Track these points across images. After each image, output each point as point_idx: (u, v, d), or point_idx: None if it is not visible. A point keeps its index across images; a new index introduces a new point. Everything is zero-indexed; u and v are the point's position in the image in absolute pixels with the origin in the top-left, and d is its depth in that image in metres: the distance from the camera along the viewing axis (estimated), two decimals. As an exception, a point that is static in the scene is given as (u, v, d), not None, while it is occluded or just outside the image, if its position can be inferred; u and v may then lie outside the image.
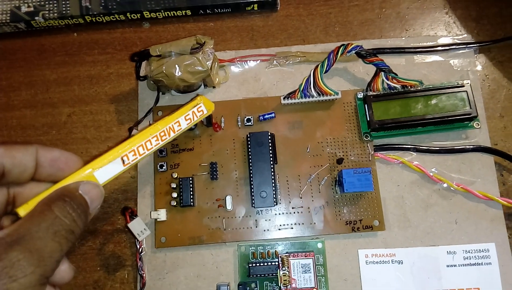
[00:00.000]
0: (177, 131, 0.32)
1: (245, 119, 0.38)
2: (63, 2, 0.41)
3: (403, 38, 0.41)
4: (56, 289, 0.24)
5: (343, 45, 0.38)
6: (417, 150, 0.37)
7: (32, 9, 0.41)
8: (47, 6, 0.41)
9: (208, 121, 0.37)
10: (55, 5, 0.41)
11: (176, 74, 0.36)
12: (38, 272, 0.20)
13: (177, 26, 0.42)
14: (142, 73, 0.38)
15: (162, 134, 0.31)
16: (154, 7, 0.41)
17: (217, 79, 0.39)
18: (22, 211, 0.24)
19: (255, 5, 0.41)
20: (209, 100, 0.34)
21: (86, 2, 0.41)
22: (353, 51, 0.38)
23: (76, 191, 0.24)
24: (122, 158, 0.28)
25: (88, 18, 0.41)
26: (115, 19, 0.42)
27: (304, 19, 0.42)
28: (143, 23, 0.42)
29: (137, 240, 0.35)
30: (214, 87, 0.40)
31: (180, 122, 0.32)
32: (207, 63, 0.37)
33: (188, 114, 0.33)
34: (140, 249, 0.35)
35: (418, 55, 0.40)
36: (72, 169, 0.26)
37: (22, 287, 0.19)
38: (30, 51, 0.42)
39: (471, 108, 0.36)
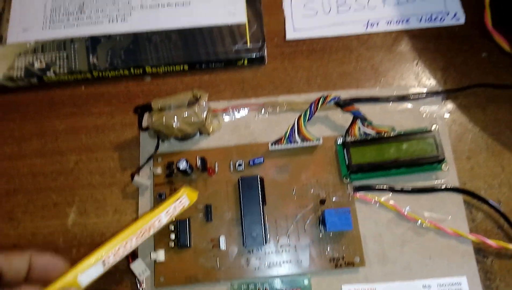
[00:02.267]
0: (157, 227, 0.34)
1: (237, 164, 0.42)
2: (73, 59, 0.46)
3: (377, 88, 0.45)
4: None
5: (322, 96, 0.42)
6: (393, 190, 0.41)
7: (44, 66, 0.46)
8: (57, 62, 0.46)
9: (203, 167, 0.41)
10: (65, 61, 0.46)
11: (175, 125, 0.40)
12: None
13: (176, 79, 0.47)
14: (144, 124, 0.42)
15: (142, 232, 0.33)
16: (155, 63, 0.46)
17: (211, 127, 0.43)
18: None
19: (245, 60, 0.46)
20: (193, 190, 0.36)
21: (93, 59, 0.45)
22: (332, 102, 0.43)
23: None
24: (103, 261, 0.32)
25: (95, 73, 0.46)
26: (119, 74, 0.46)
27: (289, 72, 0.47)
28: (145, 77, 0.47)
29: (138, 280, 0.38)
30: (208, 134, 0.44)
31: (161, 218, 0.34)
32: (203, 114, 0.41)
33: (169, 209, 0.34)
34: (141, 288, 0.38)
35: (391, 104, 0.45)
36: (59, 272, 0.31)
37: None
38: (41, 103, 0.47)
39: (438, 152, 0.40)
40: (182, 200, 0.36)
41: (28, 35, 0.46)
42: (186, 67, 0.46)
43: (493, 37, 0.45)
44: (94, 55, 0.45)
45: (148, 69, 0.46)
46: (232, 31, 0.46)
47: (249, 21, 0.46)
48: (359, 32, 0.47)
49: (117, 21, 0.46)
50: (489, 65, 0.46)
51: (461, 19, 0.47)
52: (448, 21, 0.47)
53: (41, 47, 0.46)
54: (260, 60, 0.46)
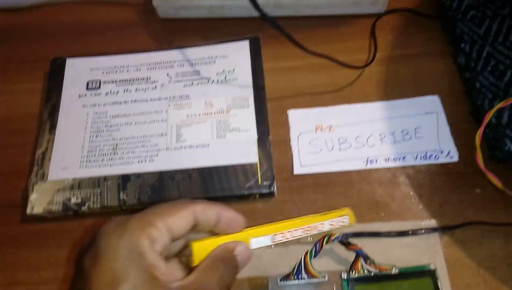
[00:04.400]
0: (318, 230, 0.38)
1: (249, 300, 0.46)
2: (105, 195, 0.52)
3: (379, 223, 0.49)
4: None
5: (327, 235, 0.46)
6: (395, 331, 0.44)
7: (80, 201, 0.52)
8: (92, 198, 0.52)
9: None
10: (99, 197, 0.51)
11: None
12: None
13: (194, 211, 0.52)
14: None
15: (307, 228, 0.37)
16: (177, 198, 0.51)
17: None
18: (195, 245, 0.33)
19: (257, 195, 0.51)
20: (353, 216, 0.40)
21: (123, 195, 0.51)
22: (335, 241, 0.47)
23: (233, 252, 0.34)
24: (273, 236, 0.37)
25: (124, 207, 0.52)
26: (145, 207, 0.52)
27: (297, 204, 0.51)
28: (167, 209, 0.53)
29: None
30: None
31: (324, 224, 0.38)
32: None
33: (333, 221, 0.38)
34: None
35: (391, 238, 0.48)
36: (238, 229, 0.36)
37: None
38: (76, 231, 0.52)
39: (436, 294, 0.43)
40: (345, 219, 0.39)
41: (67, 173, 0.53)
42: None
43: (486, 175, 0.49)
44: (124, 192, 0.51)
45: (170, 203, 0.52)
46: (245, 170, 0.51)
47: (260, 162, 0.52)
48: (360, 168, 0.52)
49: (145, 161, 0.52)
50: (483, 201, 0.49)
51: (455, 157, 0.51)
52: (442, 159, 0.51)
53: (78, 184, 0.52)
54: (270, 195, 0.52)
